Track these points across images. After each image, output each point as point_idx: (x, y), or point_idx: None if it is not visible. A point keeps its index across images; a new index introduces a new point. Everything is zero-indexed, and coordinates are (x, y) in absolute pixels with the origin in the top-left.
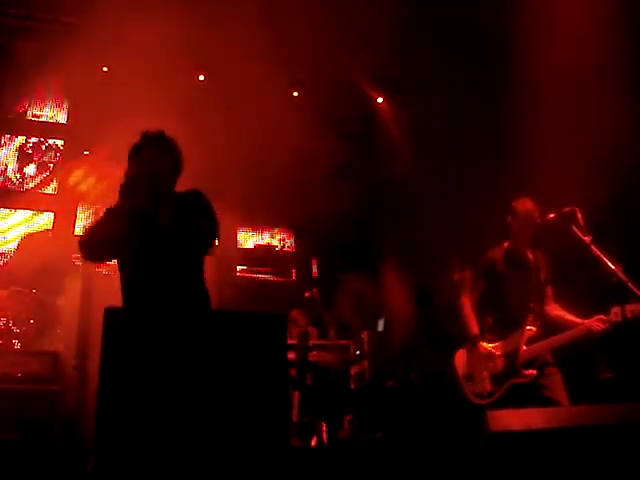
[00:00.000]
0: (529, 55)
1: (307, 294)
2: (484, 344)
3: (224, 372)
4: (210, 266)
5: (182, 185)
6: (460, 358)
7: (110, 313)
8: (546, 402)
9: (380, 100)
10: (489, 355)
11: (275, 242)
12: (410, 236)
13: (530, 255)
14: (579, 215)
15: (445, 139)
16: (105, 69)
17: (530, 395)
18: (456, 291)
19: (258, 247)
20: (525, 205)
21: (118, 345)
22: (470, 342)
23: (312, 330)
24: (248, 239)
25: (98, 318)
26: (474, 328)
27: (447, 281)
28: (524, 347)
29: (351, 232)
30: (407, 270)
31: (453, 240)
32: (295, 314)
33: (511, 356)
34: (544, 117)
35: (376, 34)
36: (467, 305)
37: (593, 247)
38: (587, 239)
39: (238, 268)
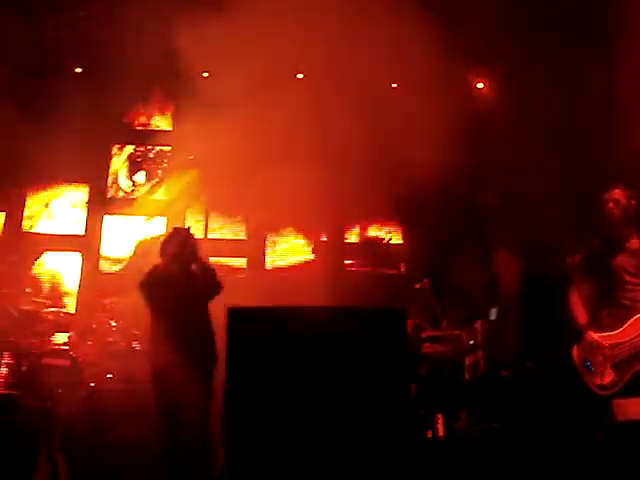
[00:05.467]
0: None
1: (418, 285)
2: (591, 333)
3: (348, 368)
4: (321, 262)
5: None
6: (578, 349)
7: (233, 312)
8: None
9: (480, 86)
10: (597, 345)
11: (382, 235)
12: (522, 220)
13: (636, 240)
14: None
15: (554, 117)
16: (205, 74)
17: None
18: (568, 277)
19: (365, 241)
20: (612, 194)
21: (242, 344)
22: (580, 333)
23: (425, 321)
24: (354, 233)
25: None
26: (581, 318)
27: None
28: None
29: (462, 216)
30: (520, 255)
31: (566, 223)
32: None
33: (632, 342)
34: None
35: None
36: (574, 298)
37: None
38: None
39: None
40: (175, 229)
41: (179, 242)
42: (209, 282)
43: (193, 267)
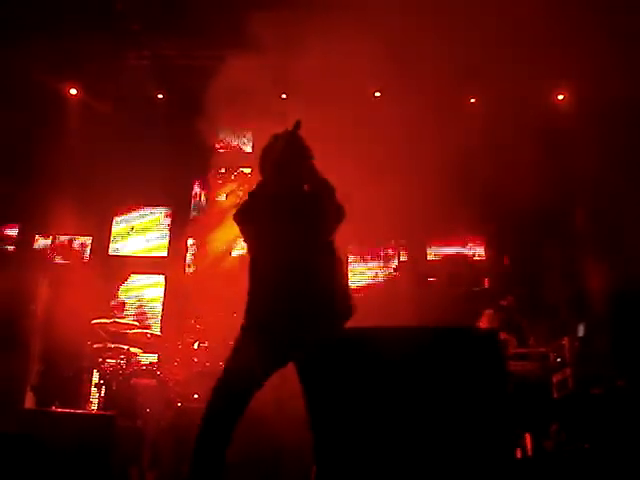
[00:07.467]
0: None
1: (503, 302)
2: None
3: (443, 387)
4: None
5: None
6: None
7: None
8: None
9: (561, 97)
10: None
11: (465, 252)
12: (612, 234)
13: None
14: None
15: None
16: (284, 96)
17: None
18: None
19: (447, 258)
20: None
21: (332, 364)
22: None
23: (510, 338)
24: (436, 251)
25: None
26: None
27: None
28: None
29: (547, 232)
30: (608, 270)
31: None
32: (488, 319)
33: None
34: None
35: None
36: None
37: None
38: None
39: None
40: (276, 135)
41: (281, 150)
42: (327, 203)
43: (304, 184)
